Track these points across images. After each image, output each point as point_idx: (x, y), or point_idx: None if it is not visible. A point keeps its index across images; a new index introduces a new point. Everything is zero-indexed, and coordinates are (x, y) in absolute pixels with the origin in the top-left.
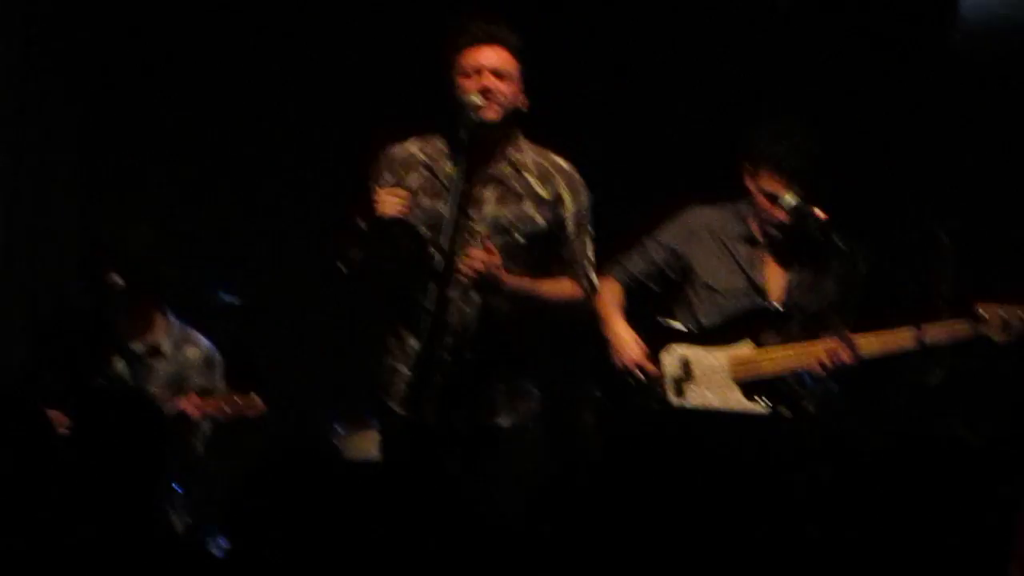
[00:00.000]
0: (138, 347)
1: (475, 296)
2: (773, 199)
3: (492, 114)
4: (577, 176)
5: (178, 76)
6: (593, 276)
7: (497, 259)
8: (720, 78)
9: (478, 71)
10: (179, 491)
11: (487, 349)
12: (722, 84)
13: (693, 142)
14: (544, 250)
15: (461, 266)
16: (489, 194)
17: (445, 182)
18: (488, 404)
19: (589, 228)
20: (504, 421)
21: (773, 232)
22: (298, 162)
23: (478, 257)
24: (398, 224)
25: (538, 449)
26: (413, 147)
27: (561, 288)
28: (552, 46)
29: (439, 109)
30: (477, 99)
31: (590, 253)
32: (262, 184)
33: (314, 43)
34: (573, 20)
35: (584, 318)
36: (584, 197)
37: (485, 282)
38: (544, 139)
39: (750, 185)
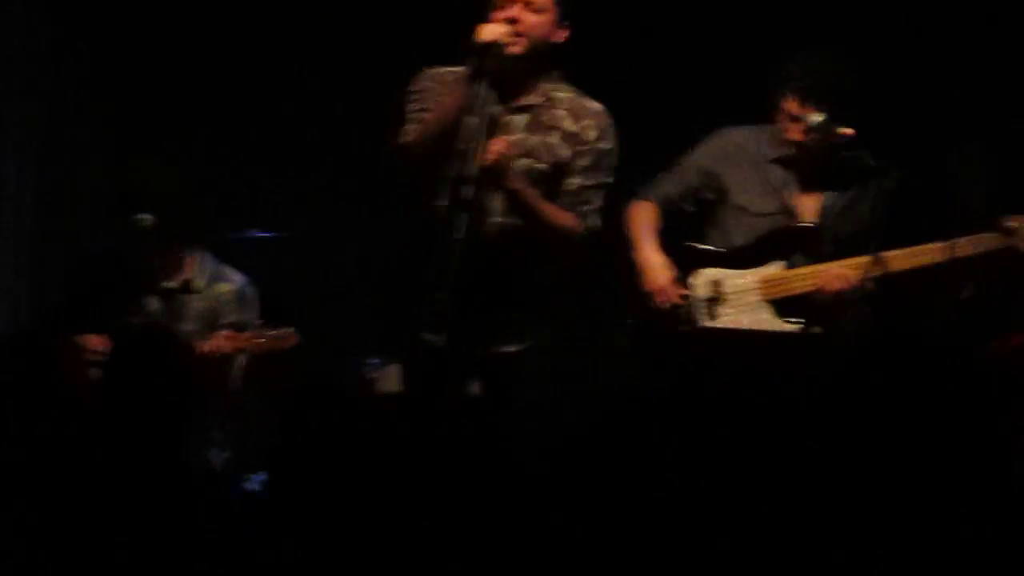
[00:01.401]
0: (171, 284)
1: (495, 219)
2: (795, 120)
3: (518, 48)
4: (608, 120)
5: (205, 16)
6: (592, 220)
7: (509, 150)
8: (749, 7)
9: (512, 1)
10: (216, 427)
11: (499, 275)
12: (750, 13)
13: (724, 69)
14: (555, 183)
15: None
16: (519, 121)
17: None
18: (496, 331)
19: (604, 175)
20: (511, 347)
21: (796, 154)
22: (326, 97)
23: (495, 147)
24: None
25: (550, 376)
26: (454, 69)
27: (561, 217)
28: None
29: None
30: (504, 33)
31: (595, 198)
32: (291, 119)
33: None
34: None
35: (578, 255)
36: (609, 141)
37: (493, 169)
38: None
39: (776, 114)
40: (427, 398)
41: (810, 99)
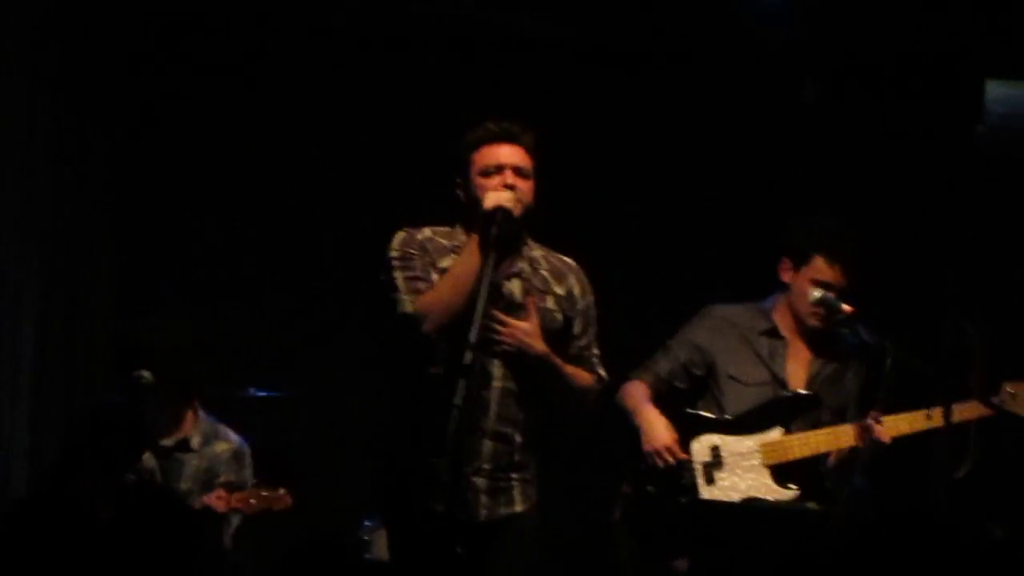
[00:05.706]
0: (168, 443)
1: (496, 384)
2: (812, 282)
3: (518, 213)
4: (583, 273)
5: (209, 174)
6: (602, 370)
7: (536, 323)
8: (746, 174)
9: (500, 169)
10: None
11: (498, 438)
12: (747, 180)
13: (717, 237)
14: (555, 346)
15: (501, 335)
16: (515, 287)
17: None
18: (507, 493)
19: (594, 326)
20: (519, 507)
21: (813, 323)
22: (324, 257)
23: (521, 325)
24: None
25: (538, 541)
26: (434, 235)
27: (578, 375)
28: (577, 143)
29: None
30: (508, 199)
31: (596, 349)
32: (292, 280)
33: (333, 136)
34: (597, 121)
35: (591, 412)
36: (591, 295)
37: (523, 348)
38: (568, 239)
39: (791, 278)
40: (416, 566)
41: (845, 267)
